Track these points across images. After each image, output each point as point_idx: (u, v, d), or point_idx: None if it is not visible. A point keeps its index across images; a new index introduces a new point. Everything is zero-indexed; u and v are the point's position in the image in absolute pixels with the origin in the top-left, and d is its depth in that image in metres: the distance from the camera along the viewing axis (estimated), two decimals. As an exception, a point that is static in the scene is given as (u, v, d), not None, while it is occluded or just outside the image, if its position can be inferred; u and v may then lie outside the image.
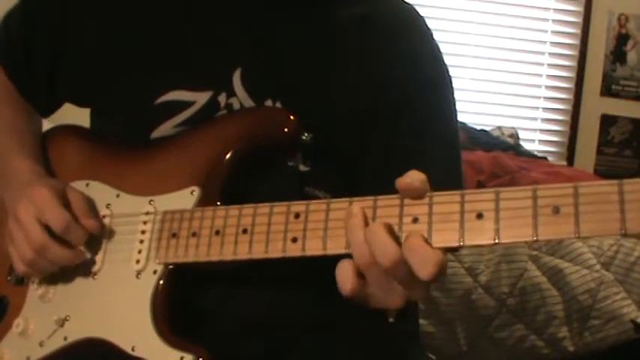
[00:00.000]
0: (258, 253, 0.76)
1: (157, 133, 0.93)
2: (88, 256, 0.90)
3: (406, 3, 1.00)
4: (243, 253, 0.78)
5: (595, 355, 1.95)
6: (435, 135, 0.93)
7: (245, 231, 0.78)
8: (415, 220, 0.67)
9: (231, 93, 0.91)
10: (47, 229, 0.87)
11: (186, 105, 0.92)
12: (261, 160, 0.89)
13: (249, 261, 0.77)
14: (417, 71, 0.94)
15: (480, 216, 0.65)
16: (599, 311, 1.94)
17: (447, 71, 0.98)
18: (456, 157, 0.95)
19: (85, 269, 0.91)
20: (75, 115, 1.06)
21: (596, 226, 0.60)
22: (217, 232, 0.80)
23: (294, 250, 0.74)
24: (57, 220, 0.86)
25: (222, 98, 0.91)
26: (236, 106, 0.91)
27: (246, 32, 0.93)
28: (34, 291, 0.94)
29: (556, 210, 0.62)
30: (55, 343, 0.90)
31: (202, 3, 0.95)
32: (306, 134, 0.86)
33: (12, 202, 0.92)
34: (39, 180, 0.94)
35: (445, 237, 0.66)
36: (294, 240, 0.74)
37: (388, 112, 0.91)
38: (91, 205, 0.91)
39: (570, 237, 0.60)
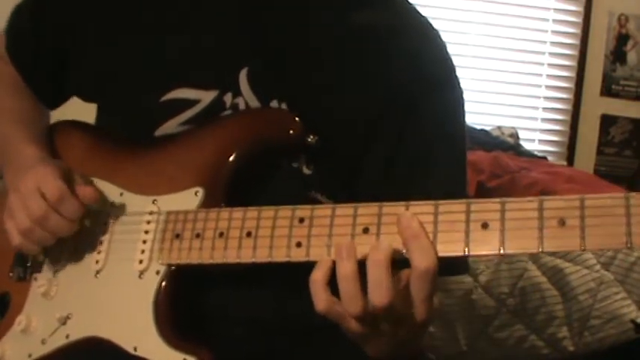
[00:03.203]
0: (262, 257, 0.76)
1: (160, 131, 0.93)
2: (88, 225, 0.89)
3: (409, 4, 1.00)
4: (247, 257, 0.77)
5: (595, 355, 1.94)
6: (440, 137, 0.92)
7: (249, 234, 0.78)
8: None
9: (237, 93, 0.91)
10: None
11: (191, 103, 0.92)
12: (265, 162, 0.89)
13: (253, 265, 0.77)
14: (420, 71, 0.93)
15: (485, 226, 0.65)
16: (599, 311, 1.93)
17: (454, 71, 0.97)
18: (461, 160, 0.94)
19: (87, 267, 0.91)
20: (81, 109, 1.06)
21: (601, 239, 0.60)
22: (221, 235, 0.80)
23: (298, 255, 0.74)
24: (52, 190, 0.86)
25: (227, 98, 0.91)
26: (242, 106, 0.91)
27: (252, 32, 0.93)
28: (37, 288, 0.94)
29: (562, 222, 0.62)
30: (57, 341, 0.90)
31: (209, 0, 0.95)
32: (311, 136, 0.86)
33: (15, 182, 0.92)
34: (46, 160, 0.94)
35: (450, 247, 0.66)
36: (299, 245, 0.74)
37: (393, 114, 0.91)
38: (99, 194, 0.91)
39: (575, 250, 0.60)
